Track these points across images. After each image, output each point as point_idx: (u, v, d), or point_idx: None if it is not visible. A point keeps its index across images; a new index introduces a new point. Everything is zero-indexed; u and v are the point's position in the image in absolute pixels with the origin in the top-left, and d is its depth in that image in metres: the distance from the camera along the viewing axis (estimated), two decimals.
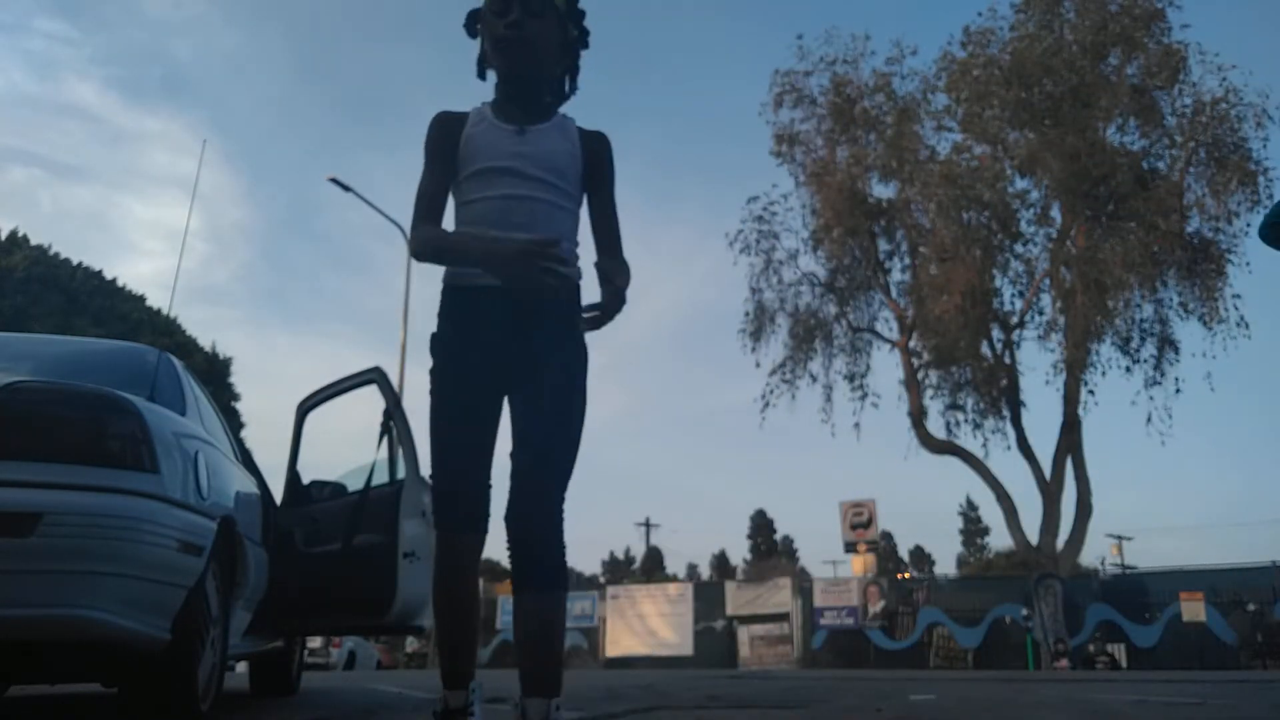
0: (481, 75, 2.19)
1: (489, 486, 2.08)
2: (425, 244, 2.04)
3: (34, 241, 16.16)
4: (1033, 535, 19.41)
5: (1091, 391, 19.43)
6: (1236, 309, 18.23)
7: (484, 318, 2.03)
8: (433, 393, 2.08)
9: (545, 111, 2.15)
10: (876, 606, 20.34)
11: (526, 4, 2.05)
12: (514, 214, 2.02)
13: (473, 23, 2.20)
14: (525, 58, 2.09)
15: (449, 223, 2.11)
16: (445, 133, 2.11)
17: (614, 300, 2.03)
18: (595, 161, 2.15)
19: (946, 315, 18.88)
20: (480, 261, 1.95)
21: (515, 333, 2.02)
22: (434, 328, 2.12)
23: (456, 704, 2.05)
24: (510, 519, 1.97)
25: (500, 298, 1.98)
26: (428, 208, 2.08)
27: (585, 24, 2.19)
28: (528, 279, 1.88)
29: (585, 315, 2.07)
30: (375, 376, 4.47)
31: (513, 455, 2.02)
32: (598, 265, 2.08)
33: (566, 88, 2.22)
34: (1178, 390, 18.88)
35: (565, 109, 2.22)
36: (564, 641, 2.08)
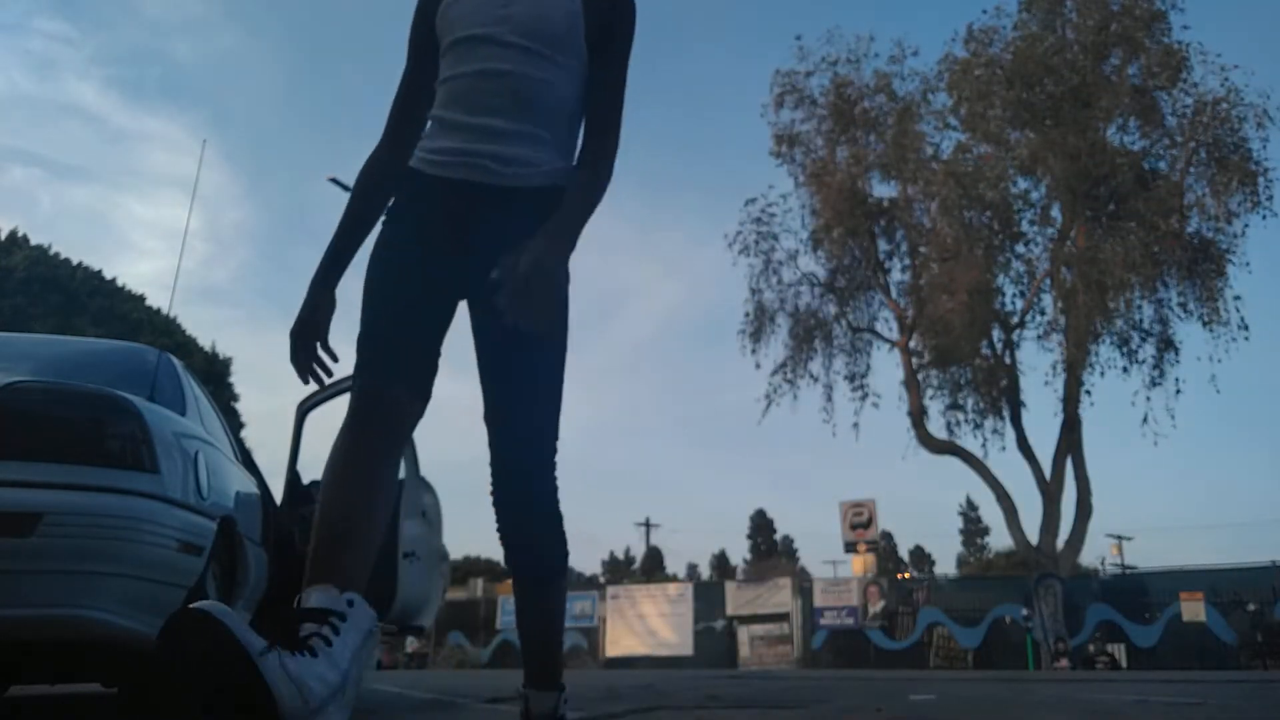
0: None
1: (414, 394, 1.69)
2: (354, 197, 1.82)
3: (34, 241, 16.16)
4: (1033, 535, 19.41)
5: (1088, 392, 19.45)
6: (1237, 310, 18.24)
7: (440, 211, 1.69)
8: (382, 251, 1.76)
9: None
10: (876, 606, 20.35)
11: None
12: (487, 93, 1.67)
13: None
14: None
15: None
16: (421, 9, 1.80)
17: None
18: (601, 17, 1.73)
19: (951, 315, 18.87)
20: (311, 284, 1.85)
21: (472, 242, 1.67)
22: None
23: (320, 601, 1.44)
24: (497, 505, 1.74)
25: (463, 194, 1.67)
26: (393, 115, 1.82)
27: None
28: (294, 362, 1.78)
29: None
30: None
31: (486, 421, 1.77)
32: (578, 177, 1.71)
33: None
34: (1178, 391, 18.90)
35: None
36: (563, 632, 1.89)
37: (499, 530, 1.78)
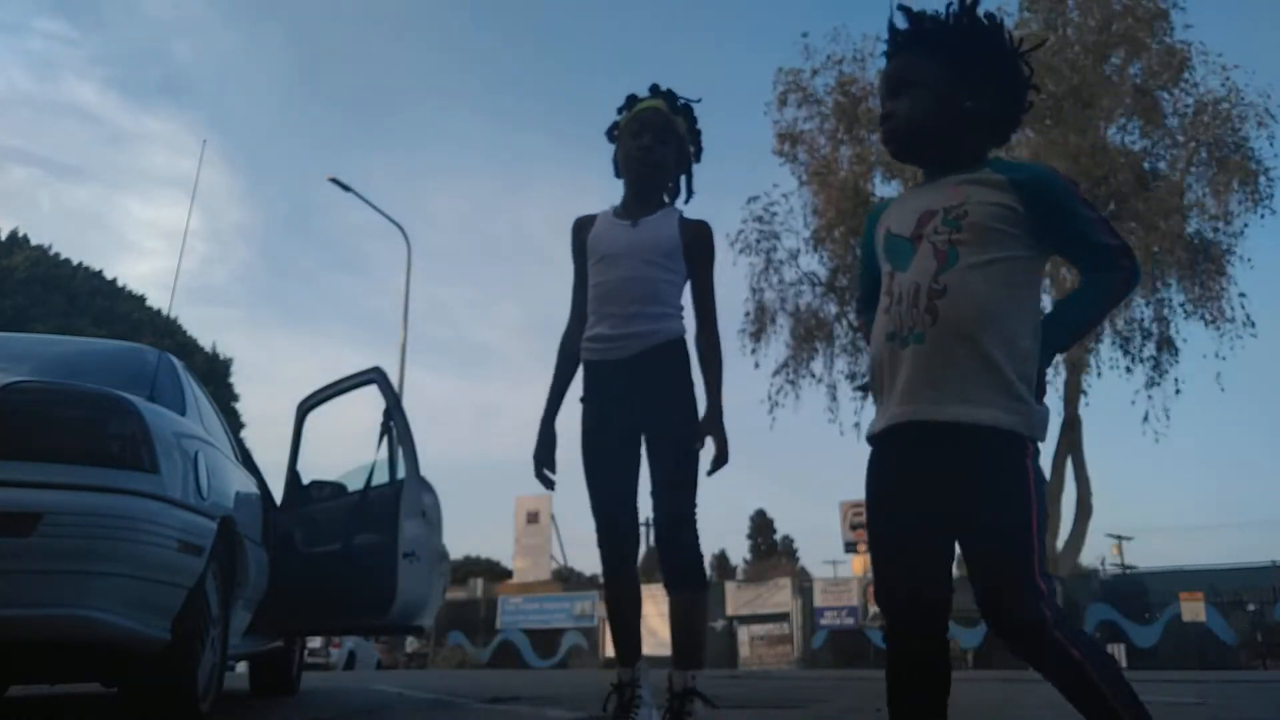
0: (617, 174, 2.72)
1: (637, 525, 2.66)
2: (564, 358, 2.75)
3: (34, 242, 16.17)
4: None
5: (1084, 392, 19.44)
6: (1243, 308, 18.23)
7: (607, 385, 2.59)
8: (582, 448, 2.65)
9: (657, 207, 2.67)
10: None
11: (656, 132, 2.61)
12: (631, 289, 2.56)
13: (613, 130, 2.72)
14: (649, 175, 2.65)
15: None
16: (578, 233, 2.72)
17: (716, 457, 2.55)
18: (691, 243, 2.62)
19: None
20: (541, 420, 2.75)
21: (635, 396, 2.54)
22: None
23: (626, 678, 2.62)
24: (657, 541, 2.54)
25: (620, 370, 2.56)
26: (578, 307, 2.73)
27: (701, 140, 2.73)
28: (536, 455, 2.72)
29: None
30: (375, 376, 4.47)
31: (652, 496, 2.56)
32: (698, 347, 2.64)
33: (682, 194, 2.75)
34: (1177, 390, 18.89)
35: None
36: (705, 627, 2.65)
37: (659, 555, 2.58)
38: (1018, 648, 1.38)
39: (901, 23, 1.57)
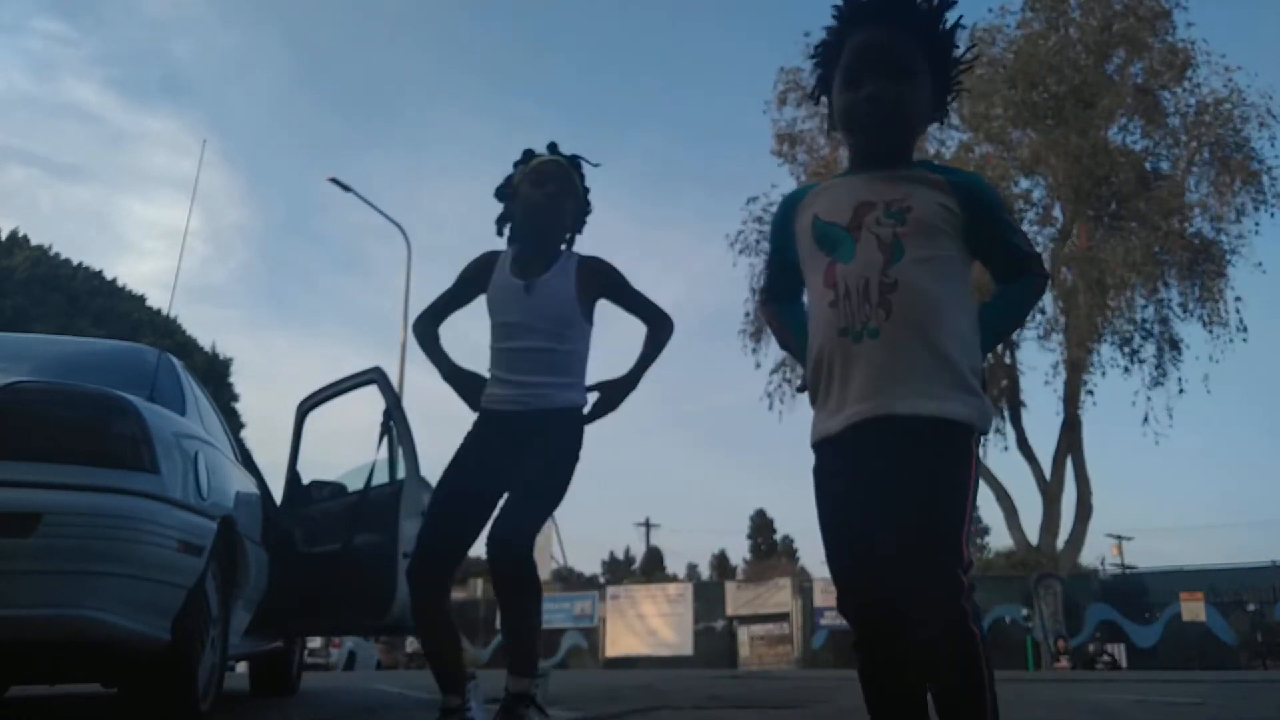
0: (500, 232, 2.76)
1: (466, 547, 2.59)
2: (423, 337, 2.76)
3: (34, 242, 16.16)
4: (1033, 535, 19.41)
5: (1090, 392, 19.44)
6: (1238, 312, 18.22)
7: (494, 428, 2.58)
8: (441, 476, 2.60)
9: (554, 258, 2.66)
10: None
11: (559, 183, 2.64)
12: (524, 363, 2.58)
13: (506, 187, 2.73)
14: (551, 224, 2.67)
15: (476, 360, 2.72)
16: (478, 270, 2.72)
17: (602, 406, 2.63)
18: (598, 284, 2.66)
19: None
20: (443, 378, 2.70)
21: (516, 446, 2.53)
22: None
23: (453, 705, 2.52)
24: (489, 549, 2.42)
25: (511, 420, 2.56)
26: (434, 308, 2.78)
27: (589, 201, 2.79)
28: (464, 399, 2.66)
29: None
30: (375, 376, 4.47)
31: (502, 510, 2.50)
32: (649, 333, 2.73)
33: (570, 238, 2.77)
34: (1180, 391, 18.87)
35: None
36: (537, 634, 2.59)
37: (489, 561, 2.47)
38: (926, 634, 1.32)
39: None
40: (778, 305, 1.73)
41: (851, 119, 1.53)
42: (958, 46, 1.56)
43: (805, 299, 1.64)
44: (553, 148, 2.72)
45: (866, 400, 1.40)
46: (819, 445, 1.49)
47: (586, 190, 2.78)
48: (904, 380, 1.38)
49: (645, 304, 2.74)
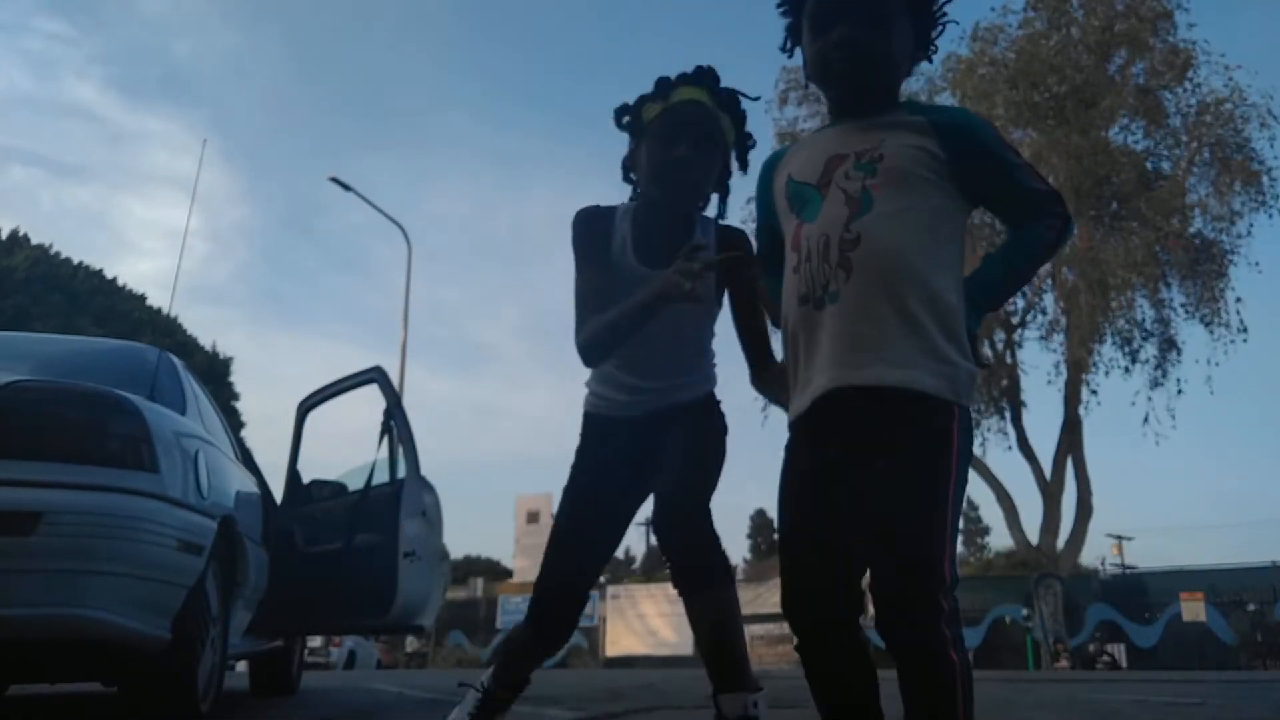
0: (627, 179, 2.11)
1: (586, 596, 2.19)
2: (594, 331, 1.97)
3: (35, 241, 16.17)
4: (1033, 535, 19.41)
5: (1094, 391, 19.43)
6: (1238, 312, 18.22)
7: (614, 442, 2.13)
8: (562, 502, 2.18)
9: (685, 233, 2.03)
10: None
11: (697, 140, 1.95)
12: (647, 359, 2.08)
13: (624, 116, 2.05)
14: (684, 195, 2.02)
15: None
16: (592, 232, 2.07)
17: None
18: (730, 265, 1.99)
19: None
20: (648, 307, 1.88)
21: (642, 452, 2.08)
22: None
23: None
24: (659, 534, 1.97)
25: (627, 426, 2.11)
26: (596, 305, 1.99)
27: (749, 148, 2.05)
28: (683, 295, 1.75)
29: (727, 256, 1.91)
30: (375, 376, 4.47)
31: (654, 492, 2.04)
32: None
33: (717, 211, 2.13)
34: (1180, 391, 18.88)
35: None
36: (743, 636, 2.06)
37: (667, 553, 2.04)
38: (902, 636, 1.20)
39: None
40: (769, 279, 1.53)
41: (823, 67, 1.38)
42: None
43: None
44: (698, 74, 1.97)
45: (825, 372, 1.25)
46: (791, 426, 1.35)
47: (746, 138, 2.04)
48: (865, 347, 1.22)
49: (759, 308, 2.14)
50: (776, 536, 1.38)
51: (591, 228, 2.07)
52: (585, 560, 2.15)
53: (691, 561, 1.94)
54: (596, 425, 2.18)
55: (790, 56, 1.50)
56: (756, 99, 2.04)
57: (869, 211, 1.27)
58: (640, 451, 2.08)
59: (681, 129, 1.94)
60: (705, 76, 1.96)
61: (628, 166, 2.09)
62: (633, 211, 2.08)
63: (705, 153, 1.97)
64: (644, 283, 1.91)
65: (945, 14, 1.42)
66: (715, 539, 1.98)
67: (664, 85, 1.97)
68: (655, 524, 1.99)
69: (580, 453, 2.19)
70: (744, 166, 2.06)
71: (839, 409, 1.25)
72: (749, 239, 1.98)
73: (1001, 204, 1.37)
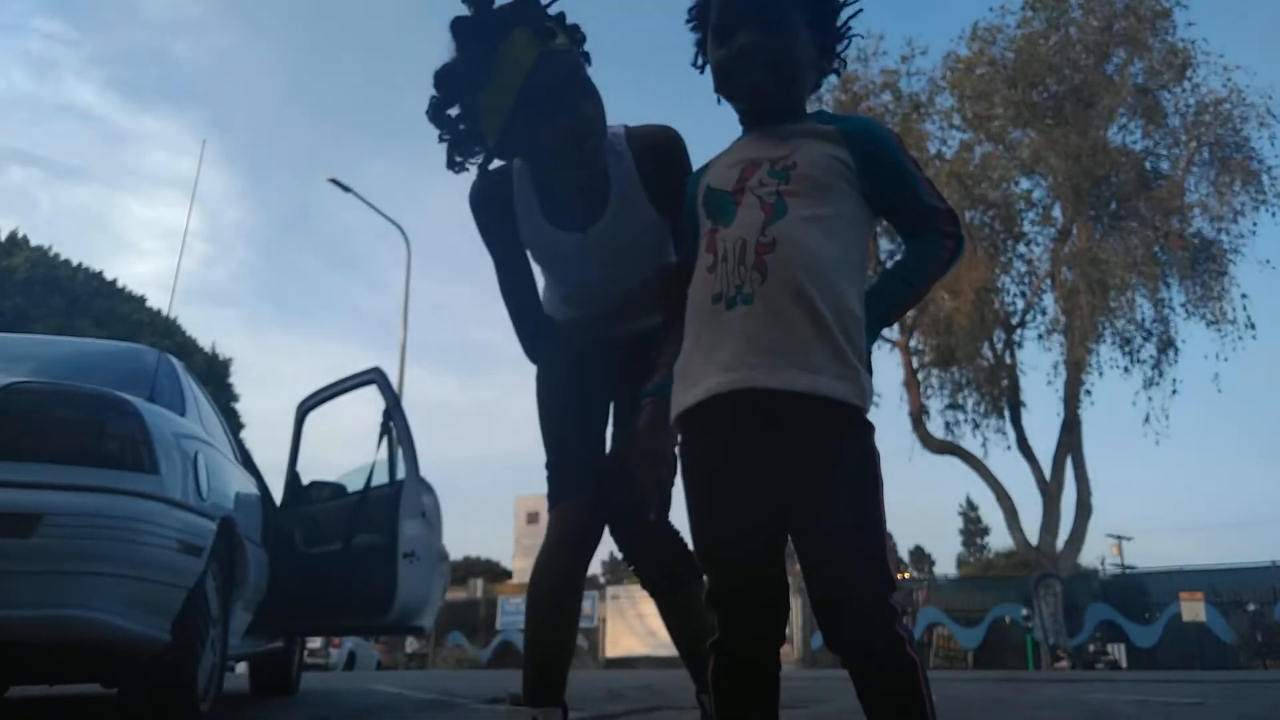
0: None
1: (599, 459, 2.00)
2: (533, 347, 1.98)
3: (34, 242, 16.16)
4: (1033, 535, 19.41)
5: (1089, 391, 19.44)
6: (1244, 309, 18.23)
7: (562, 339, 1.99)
8: (539, 390, 2.05)
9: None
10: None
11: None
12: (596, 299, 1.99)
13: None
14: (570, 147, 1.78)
15: None
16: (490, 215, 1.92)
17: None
18: (662, 182, 1.88)
19: (956, 314, 18.86)
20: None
21: (603, 367, 1.98)
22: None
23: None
24: (620, 539, 1.95)
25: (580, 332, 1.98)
26: (521, 296, 1.95)
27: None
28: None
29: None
30: (375, 376, 4.47)
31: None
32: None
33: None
34: (1174, 391, 18.89)
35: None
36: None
37: (629, 553, 2.00)
38: (860, 642, 1.21)
39: None
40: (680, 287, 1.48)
41: (726, 76, 1.38)
42: None
43: None
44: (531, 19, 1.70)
45: (731, 371, 1.24)
46: (678, 420, 1.34)
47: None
48: (777, 351, 1.22)
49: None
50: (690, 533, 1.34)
51: (490, 208, 1.88)
52: (582, 435, 2.00)
53: (659, 565, 1.92)
54: (553, 326, 2.01)
55: (701, 73, 1.46)
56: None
57: (783, 216, 1.28)
58: (602, 364, 1.97)
59: (550, 97, 1.70)
60: (515, 16, 1.68)
61: (475, 148, 1.80)
62: (526, 172, 1.86)
63: (577, 96, 1.74)
64: (557, 244, 1.84)
65: (850, 28, 1.42)
66: (678, 537, 1.94)
67: (482, 57, 1.69)
68: (614, 530, 1.94)
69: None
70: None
71: (740, 406, 1.24)
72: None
73: (899, 215, 1.38)
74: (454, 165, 1.78)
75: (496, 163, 1.83)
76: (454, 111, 1.73)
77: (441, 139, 1.76)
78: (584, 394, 1.99)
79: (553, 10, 1.71)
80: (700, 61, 1.46)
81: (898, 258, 1.42)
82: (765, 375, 1.22)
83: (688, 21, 1.46)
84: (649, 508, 1.66)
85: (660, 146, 1.83)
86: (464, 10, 1.68)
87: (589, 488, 1.93)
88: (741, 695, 1.29)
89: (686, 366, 1.33)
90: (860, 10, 1.43)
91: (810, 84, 1.42)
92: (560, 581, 1.94)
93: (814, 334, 1.23)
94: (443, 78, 1.71)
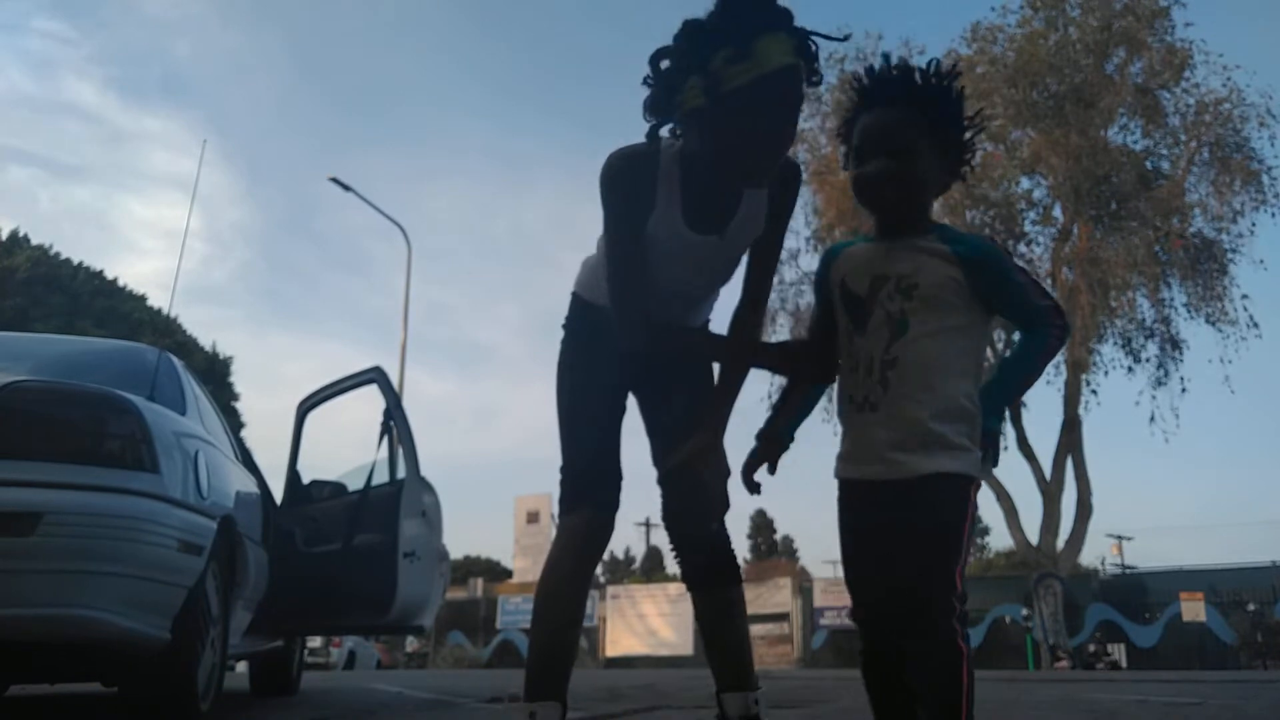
0: (674, 132, 1.79)
1: (620, 472, 2.04)
2: (640, 324, 1.92)
3: (35, 242, 16.18)
4: (1033, 535, 19.40)
5: (1095, 391, 19.43)
6: (1245, 309, 18.22)
7: (609, 331, 1.96)
8: (566, 380, 2.06)
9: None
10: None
11: (792, 115, 1.72)
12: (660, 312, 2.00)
13: (699, 62, 1.65)
14: (767, 172, 1.81)
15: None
16: (632, 188, 1.85)
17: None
18: (775, 203, 1.97)
19: None
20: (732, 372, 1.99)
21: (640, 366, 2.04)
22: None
23: (551, 719, 1.89)
24: (679, 525, 2.02)
25: None
26: (634, 270, 1.92)
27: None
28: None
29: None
30: (375, 376, 4.48)
31: (657, 458, 2.07)
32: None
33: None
34: (1184, 390, 18.86)
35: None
36: (749, 635, 2.11)
37: (677, 543, 2.09)
38: (921, 626, 1.49)
39: (891, 77, 1.63)
40: (806, 346, 1.81)
41: (859, 191, 1.66)
42: (963, 115, 1.66)
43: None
44: (786, 23, 1.64)
45: (873, 464, 1.58)
46: (841, 483, 1.66)
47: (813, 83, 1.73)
48: (900, 447, 1.55)
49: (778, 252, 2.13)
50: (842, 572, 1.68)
51: (632, 186, 1.83)
52: (614, 444, 2.03)
53: (708, 558, 2.01)
54: (597, 313, 2.01)
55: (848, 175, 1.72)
56: (845, 39, 1.91)
57: (905, 335, 1.58)
58: (637, 363, 2.01)
59: (778, 99, 1.66)
60: (788, 22, 1.64)
61: (689, 122, 1.72)
62: (680, 161, 1.82)
63: (794, 126, 1.74)
64: (686, 246, 1.86)
65: (973, 144, 1.70)
66: (728, 536, 2.04)
67: (740, 33, 1.61)
68: (674, 514, 2.01)
69: (580, 333, 2.09)
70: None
71: (879, 489, 1.58)
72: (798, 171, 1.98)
73: (1012, 314, 1.68)
74: (647, 114, 1.75)
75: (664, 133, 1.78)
76: (666, 64, 1.70)
77: (646, 82, 1.73)
78: (618, 399, 2.06)
79: (815, 49, 1.70)
80: (845, 167, 1.72)
81: (1014, 349, 1.72)
82: (894, 470, 1.55)
83: (838, 134, 1.74)
84: (720, 510, 1.90)
85: (790, 169, 1.93)
86: None
87: (614, 498, 2.00)
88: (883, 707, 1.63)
89: (843, 444, 1.66)
90: (982, 129, 1.72)
91: (933, 195, 1.70)
92: (568, 580, 1.98)
93: (927, 436, 1.54)
94: (692, 31, 1.67)
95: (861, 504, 1.62)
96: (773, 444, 1.79)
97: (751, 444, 1.80)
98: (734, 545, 2.09)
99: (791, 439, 1.82)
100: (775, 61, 1.61)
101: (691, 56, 1.65)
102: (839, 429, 1.68)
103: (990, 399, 1.62)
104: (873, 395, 1.59)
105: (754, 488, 1.79)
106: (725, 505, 1.93)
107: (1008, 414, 20.35)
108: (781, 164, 1.84)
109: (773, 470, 1.79)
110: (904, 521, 1.54)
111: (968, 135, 1.68)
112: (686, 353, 2.04)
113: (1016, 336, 1.70)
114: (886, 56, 1.66)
